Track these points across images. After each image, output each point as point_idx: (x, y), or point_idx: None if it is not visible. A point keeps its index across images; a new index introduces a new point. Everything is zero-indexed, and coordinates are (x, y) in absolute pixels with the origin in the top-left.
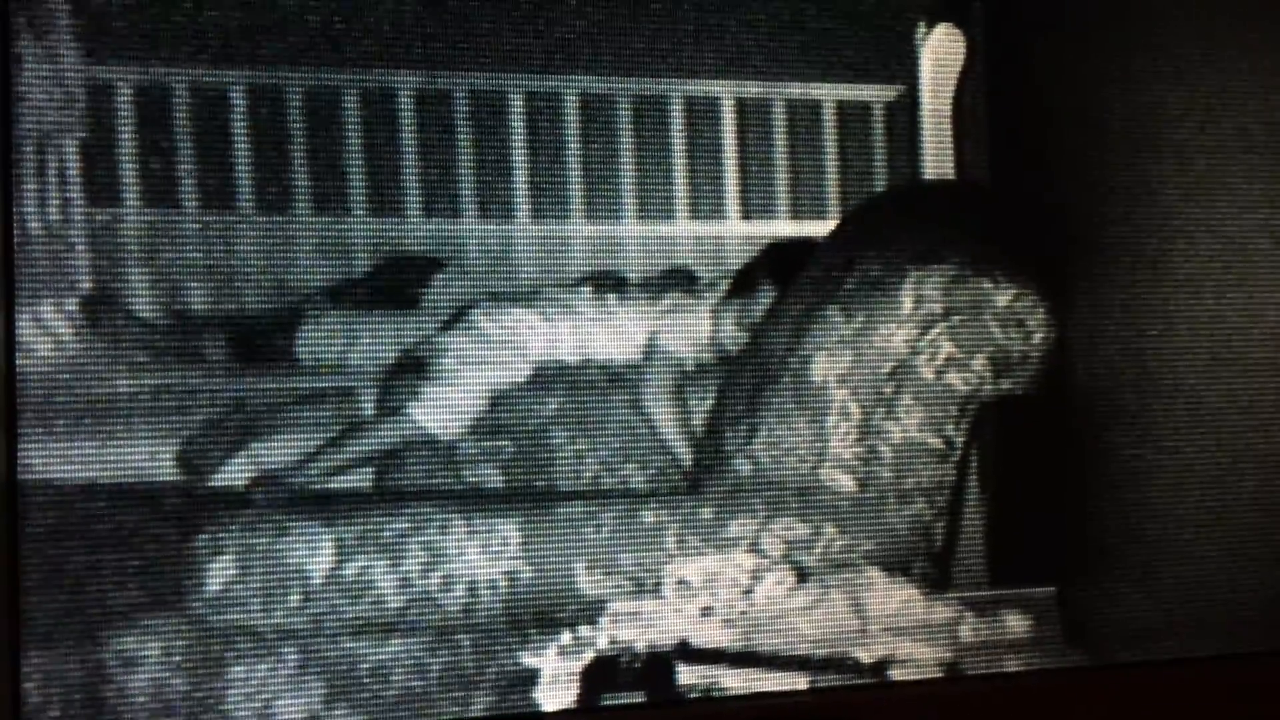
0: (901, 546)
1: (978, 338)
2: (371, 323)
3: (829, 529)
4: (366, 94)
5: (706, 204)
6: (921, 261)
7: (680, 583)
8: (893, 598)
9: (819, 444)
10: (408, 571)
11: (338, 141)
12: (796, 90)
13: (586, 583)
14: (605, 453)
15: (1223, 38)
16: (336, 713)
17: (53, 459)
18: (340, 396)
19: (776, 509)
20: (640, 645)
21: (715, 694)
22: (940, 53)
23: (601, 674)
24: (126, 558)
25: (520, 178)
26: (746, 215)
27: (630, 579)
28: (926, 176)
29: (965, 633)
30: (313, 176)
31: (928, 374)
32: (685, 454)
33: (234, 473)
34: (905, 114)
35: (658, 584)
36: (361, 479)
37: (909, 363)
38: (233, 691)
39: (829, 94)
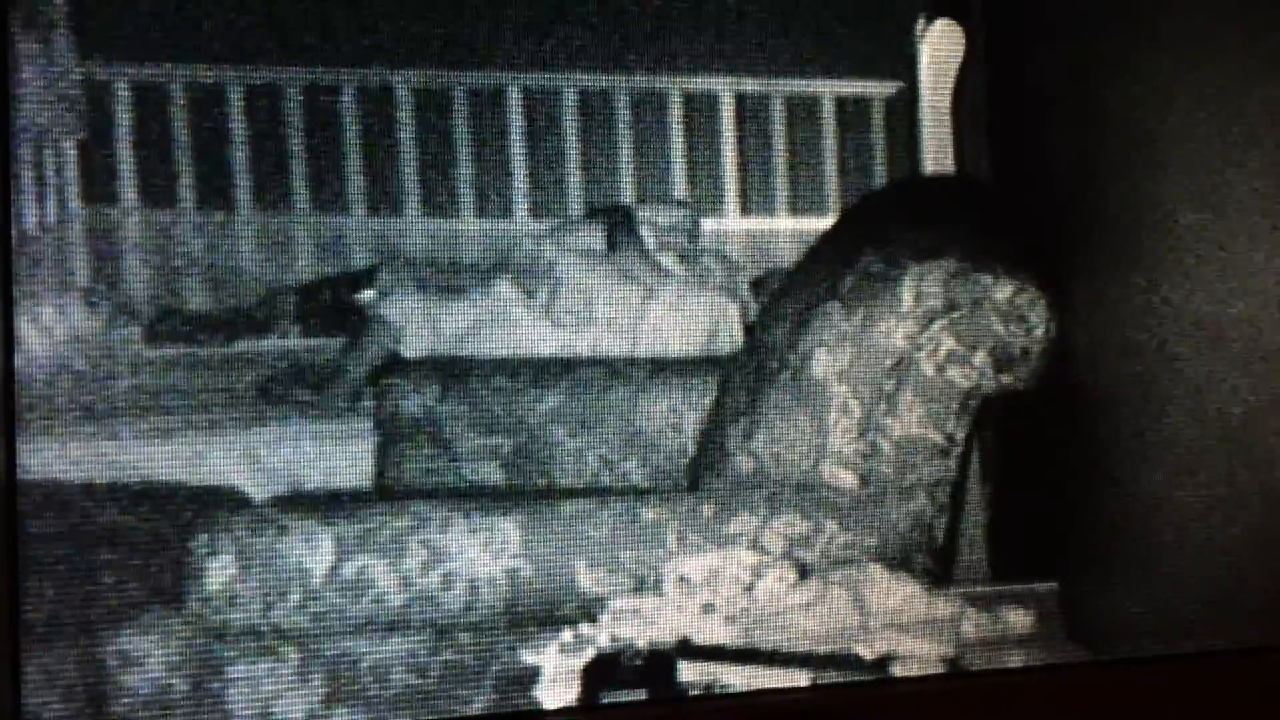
0: (903, 542)
1: (978, 333)
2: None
3: (830, 525)
4: (363, 91)
5: (706, 200)
6: (922, 257)
7: (681, 580)
8: (894, 594)
9: (820, 440)
10: (408, 570)
11: (335, 139)
12: (795, 86)
13: (587, 580)
14: (605, 449)
15: (1225, 32)
16: (337, 711)
17: (52, 459)
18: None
19: (777, 505)
20: (641, 643)
21: (717, 691)
22: (939, 47)
23: (602, 671)
24: (126, 557)
25: (519, 174)
26: (746, 211)
27: (631, 576)
28: (926, 172)
29: (967, 628)
30: (310, 174)
31: (928, 369)
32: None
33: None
34: (905, 109)
35: (659, 581)
36: (362, 478)
37: (910, 358)
38: (233, 690)
39: (828, 89)
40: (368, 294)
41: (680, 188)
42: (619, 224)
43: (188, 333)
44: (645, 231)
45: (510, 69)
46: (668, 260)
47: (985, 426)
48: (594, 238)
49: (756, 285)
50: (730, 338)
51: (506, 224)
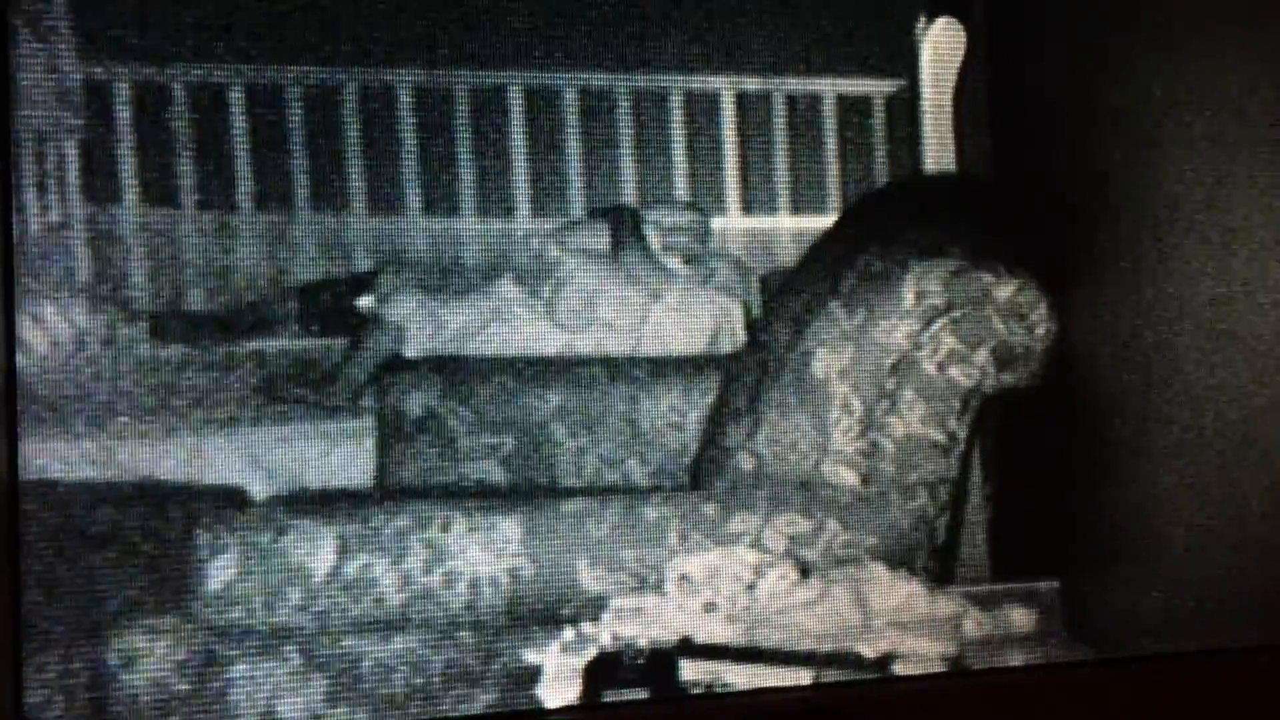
0: (904, 541)
1: (980, 331)
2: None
3: (832, 524)
4: (364, 91)
5: (708, 199)
6: (923, 255)
7: (683, 579)
8: (896, 593)
9: (821, 439)
10: (410, 569)
11: (336, 139)
12: (796, 84)
13: (589, 579)
14: (607, 448)
15: (1225, 32)
16: (339, 710)
17: (53, 458)
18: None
19: (779, 504)
20: (643, 641)
21: (718, 690)
22: (940, 45)
23: (604, 670)
24: (127, 557)
25: (520, 174)
26: (747, 210)
27: (633, 575)
28: (927, 170)
29: (969, 627)
30: (311, 174)
31: (930, 368)
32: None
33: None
34: (906, 107)
35: (660, 580)
36: (363, 477)
37: (911, 357)
38: (234, 690)
39: (829, 87)
40: (366, 300)
41: (681, 186)
42: (624, 225)
43: (189, 332)
44: (651, 232)
45: (510, 68)
46: (672, 262)
47: (987, 425)
48: (599, 238)
49: (763, 284)
50: (732, 340)
51: (508, 224)
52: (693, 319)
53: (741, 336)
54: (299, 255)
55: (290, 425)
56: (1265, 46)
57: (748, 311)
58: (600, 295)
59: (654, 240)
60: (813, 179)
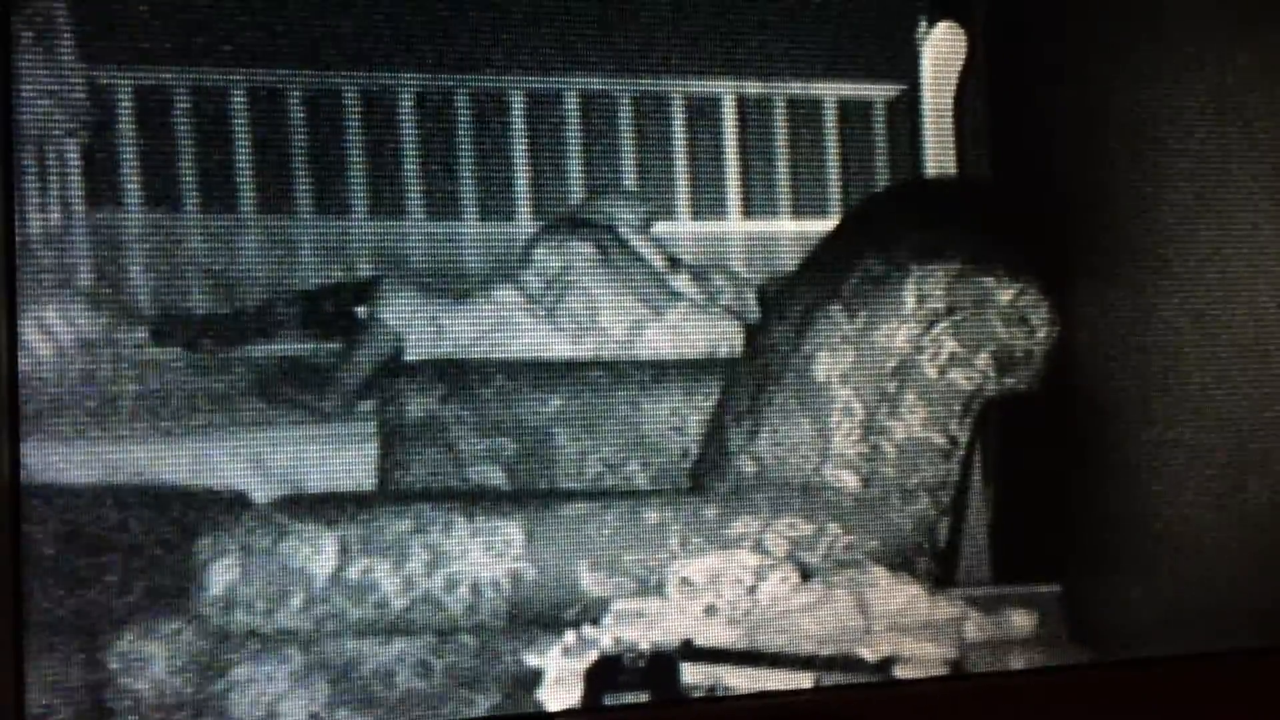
0: (905, 544)
1: (981, 335)
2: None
3: (833, 527)
4: (366, 94)
5: (708, 202)
6: (924, 259)
7: (684, 582)
8: (897, 596)
9: (822, 442)
10: (411, 572)
11: (338, 142)
12: (797, 88)
13: (590, 582)
14: (608, 452)
15: (1226, 33)
16: (340, 714)
17: (55, 461)
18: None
19: (780, 507)
20: (644, 645)
21: (719, 693)
22: (941, 49)
23: (605, 674)
24: (129, 560)
25: (521, 178)
26: (748, 213)
27: (634, 578)
28: (928, 174)
29: (970, 631)
30: (313, 177)
31: (931, 371)
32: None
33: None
34: (906, 111)
35: (661, 583)
36: (365, 480)
37: (912, 360)
38: (236, 693)
39: (830, 91)
40: (367, 304)
41: (683, 190)
42: (600, 235)
43: (191, 335)
44: (641, 244)
45: (511, 72)
46: (679, 281)
47: (988, 429)
48: (587, 247)
49: (761, 292)
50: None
51: (509, 228)
52: (687, 341)
53: (739, 354)
54: (301, 259)
55: (292, 428)
56: (1265, 47)
57: (750, 332)
58: (602, 305)
59: (656, 259)
60: (814, 182)
